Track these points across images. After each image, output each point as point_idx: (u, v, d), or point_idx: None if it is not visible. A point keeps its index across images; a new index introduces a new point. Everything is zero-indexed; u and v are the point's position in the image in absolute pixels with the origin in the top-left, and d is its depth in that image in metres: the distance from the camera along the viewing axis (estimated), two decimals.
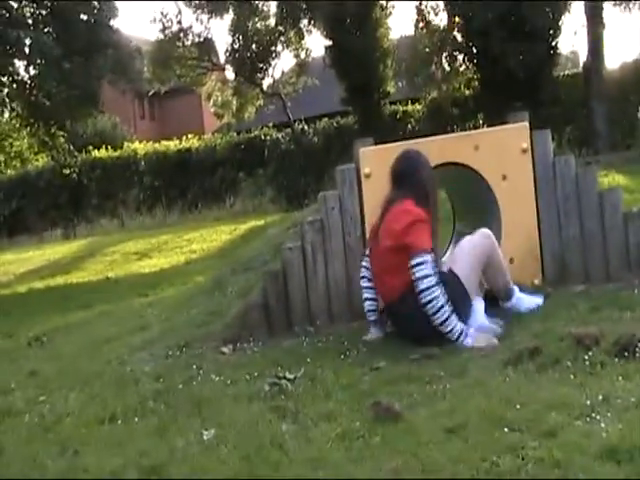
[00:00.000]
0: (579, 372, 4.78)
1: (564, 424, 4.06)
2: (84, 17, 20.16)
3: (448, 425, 4.27)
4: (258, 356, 6.01)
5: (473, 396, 4.62)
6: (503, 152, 6.78)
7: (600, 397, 4.32)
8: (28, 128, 21.95)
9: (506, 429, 4.10)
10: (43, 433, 4.96)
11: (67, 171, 24.14)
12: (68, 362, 6.83)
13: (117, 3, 25.56)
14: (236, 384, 5.38)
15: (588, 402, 4.29)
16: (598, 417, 4.10)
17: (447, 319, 5.60)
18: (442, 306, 5.60)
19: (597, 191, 6.84)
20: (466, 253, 5.98)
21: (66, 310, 10.13)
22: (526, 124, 6.89)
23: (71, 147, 23.97)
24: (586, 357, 4.95)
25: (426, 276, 5.63)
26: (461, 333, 5.60)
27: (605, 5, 24.32)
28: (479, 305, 5.92)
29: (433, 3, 26.94)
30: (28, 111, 21.25)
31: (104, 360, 6.60)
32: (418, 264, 5.67)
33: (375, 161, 6.79)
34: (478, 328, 5.74)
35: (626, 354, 4.89)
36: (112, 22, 21.03)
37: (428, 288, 5.62)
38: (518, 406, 4.36)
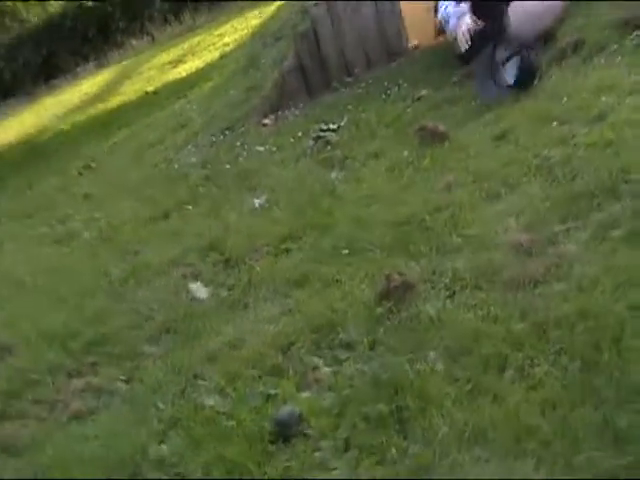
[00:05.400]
0: (626, 54, 4.50)
1: (614, 105, 3.86)
2: None
3: (496, 133, 4.12)
4: (300, 118, 5.88)
5: (518, 100, 4.42)
6: None
7: None
8: None
9: (555, 123, 3.93)
10: (103, 244, 5.02)
11: (89, 3, 23.56)
12: (117, 178, 6.82)
13: None
14: (282, 149, 5.30)
15: (637, 79, 4.07)
16: None
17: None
18: None
19: None
20: None
21: (110, 133, 10.04)
22: None
23: None
24: (632, 37, 4.67)
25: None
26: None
27: None
28: None
29: None
30: None
31: (151, 165, 6.58)
32: None
33: None
34: None
35: None
36: None
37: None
38: (565, 99, 4.17)
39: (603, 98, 3.99)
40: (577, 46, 4.90)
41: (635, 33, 4.71)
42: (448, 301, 2.73)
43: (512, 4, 5.29)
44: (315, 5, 6.48)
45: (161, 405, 2.82)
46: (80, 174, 7.91)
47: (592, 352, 2.16)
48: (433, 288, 2.86)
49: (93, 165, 8.08)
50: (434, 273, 2.96)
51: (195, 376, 2.93)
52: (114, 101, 13.79)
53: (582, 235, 2.83)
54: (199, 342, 3.16)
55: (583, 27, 5.14)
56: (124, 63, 18.77)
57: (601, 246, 2.70)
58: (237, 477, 2.31)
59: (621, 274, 2.45)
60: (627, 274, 2.44)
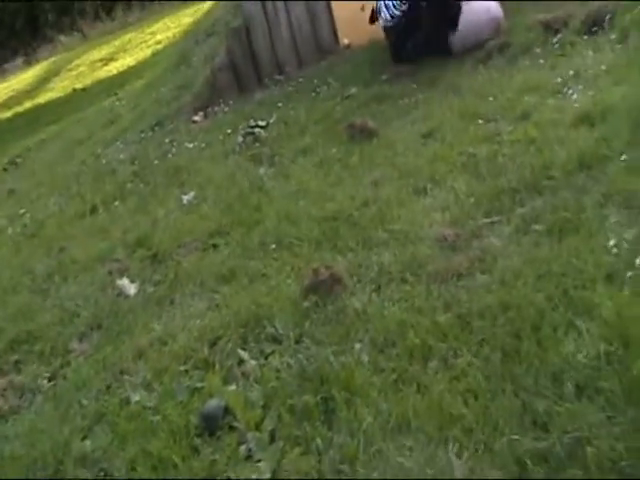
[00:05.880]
0: (549, 55, 4.63)
1: (537, 105, 3.96)
2: None
3: (423, 130, 4.19)
4: (230, 115, 5.88)
5: (445, 99, 4.50)
6: None
7: (571, 72, 4.18)
8: None
9: (481, 121, 4.01)
10: (28, 240, 4.94)
11: None
12: (44, 173, 6.74)
13: None
14: (211, 146, 5.28)
15: (559, 80, 4.17)
16: (570, 92, 3.98)
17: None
18: None
19: None
20: None
21: (37, 130, 9.90)
22: None
23: None
24: (555, 40, 4.78)
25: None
26: None
27: None
28: None
29: None
30: None
31: (79, 161, 6.50)
32: None
33: None
34: None
35: (595, 29, 4.69)
36: None
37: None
38: (491, 98, 4.25)
39: (527, 98, 4.09)
40: (503, 47, 5.00)
41: (557, 35, 4.83)
42: (374, 294, 2.75)
43: None
44: (248, 2, 6.48)
45: (85, 401, 2.79)
46: (5, 170, 7.78)
47: (513, 342, 2.20)
48: (359, 282, 2.88)
49: (19, 161, 7.96)
50: (360, 267, 2.98)
51: (122, 372, 2.90)
52: (42, 97, 13.61)
53: (505, 229, 2.88)
54: (127, 338, 3.13)
55: (509, 29, 5.24)
56: (53, 59, 18.46)
57: (524, 239, 2.76)
58: (162, 473, 2.30)
59: (542, 266, 2.51)
60: (548, 266, 2.50)
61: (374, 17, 5.83)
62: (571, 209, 2.80)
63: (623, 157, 3.03)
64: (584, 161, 3.14)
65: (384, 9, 5.47)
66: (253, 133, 5.02)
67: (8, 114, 12.99)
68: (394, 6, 5.43)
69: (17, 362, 3.34)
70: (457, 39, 5.30)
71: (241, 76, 6.48)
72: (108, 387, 2.85)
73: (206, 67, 6.69)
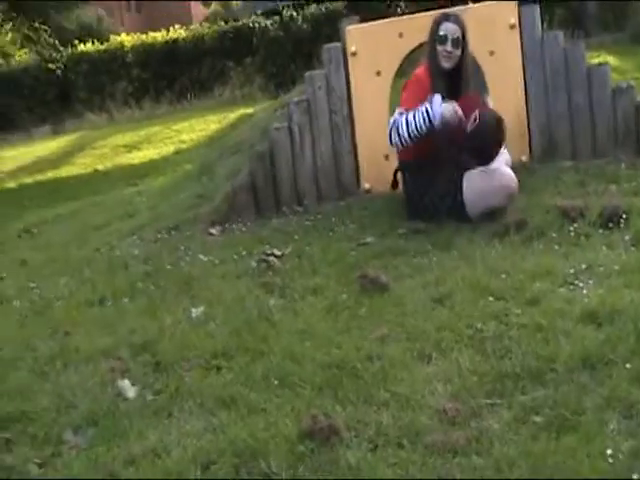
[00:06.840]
0: (564, 243, 4.81)
1: (547, 292, 4.11)
2: None
3: (434, 295, 4.31)
4: (246, 236, 6.02)
5: (459, 267, 4.65)
6: (491, 28, 6.62)
7: (583, 266, 4.36)
8: (10, 23, 21.63)
9: (491, 298, 4.15)
10: (34, 317, 5.01)
11: (52, 66, 23.89)
12: (58, 250, 6.84)
13: None
14: (224, 263, 5.40)
15: (572, 271, 4.34)
16: (581, 284, 4.15)
17: (411, 129, 5.55)
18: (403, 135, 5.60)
19: (585, 66, 6.73)
20: None
21: (55, 203, 10.10)
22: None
23: (56, 42, 23.53)
24: (571, 229, 4.98)
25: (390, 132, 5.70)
26: (426, 112, 5.48)
27: None
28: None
29: None
30: (9, 4, 20.81)
31: (93, 247, 6.61)
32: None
33: (361, 39, 6.68)
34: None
35: (610, 225, 4.92)
36: None
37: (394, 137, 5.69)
38: (503, 276, 4.40)
39: (538, 283, 4.23)
40: (520, 225, 5.16)
41: (574, 224, 5.01)
42: (369, 454, 2.83)
43: (467, 179, 5.55)
44: (276, 130, 6.71)
45: None
46: (19, 237, 7.90)
47: None
48: (357, 437, 2.96)
49: (35, 231, 8.08)
50: (359, 422, 3.06)
51: (112, 475, 2.94)
52: (64, 170, 13.83)
53: (505, 414, 2.98)
54: (121, 442, 3.18)
55: (526, 208, 5.42)
56: (79, 134, 18.81)
57: (522, 429, 2.86)
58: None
59: (538, 461, 2.60)
60: (543, 461, 2.59)
61: (396, 183, 6.04)
62: (571, 408, 2.91)
63: (628, 365, 3.16)
64: (588, 360, 3.26)
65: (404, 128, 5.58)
66: (267, 261, 5.15)
67: (29, 180, 13.21)
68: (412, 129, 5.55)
69: (8, 441, 3.36)
70: (471, 203, 5.46)
71: (260, 199, 6.65)
72: None
73: (227, 184, 6.85)
